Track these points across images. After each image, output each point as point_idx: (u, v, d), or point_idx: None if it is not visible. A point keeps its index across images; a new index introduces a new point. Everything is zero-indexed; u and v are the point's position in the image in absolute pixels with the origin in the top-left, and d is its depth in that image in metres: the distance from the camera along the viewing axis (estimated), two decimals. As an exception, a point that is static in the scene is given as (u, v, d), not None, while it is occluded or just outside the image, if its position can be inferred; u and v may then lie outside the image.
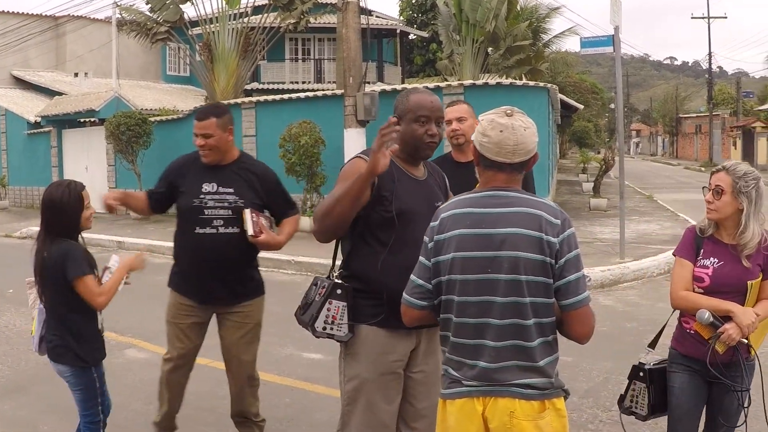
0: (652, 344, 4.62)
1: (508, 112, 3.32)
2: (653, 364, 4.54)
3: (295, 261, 14.58)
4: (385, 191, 4.08)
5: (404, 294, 3.51)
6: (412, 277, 3.49)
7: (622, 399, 4.61)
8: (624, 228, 14.03)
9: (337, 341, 4.18)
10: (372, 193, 4.04)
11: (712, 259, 4.37)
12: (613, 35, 13.64)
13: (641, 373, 4.53)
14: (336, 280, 4.19)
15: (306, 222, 18.66)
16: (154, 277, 14.01)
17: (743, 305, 4.25)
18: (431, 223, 3.46)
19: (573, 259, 3.24)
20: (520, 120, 3.30)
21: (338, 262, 4.35)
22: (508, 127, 3.27)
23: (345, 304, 4.11)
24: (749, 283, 4.28)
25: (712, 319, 4.23)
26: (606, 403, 6.93)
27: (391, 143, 3.78)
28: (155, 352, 8.82)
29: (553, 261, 3.21)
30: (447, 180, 4.59)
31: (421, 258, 3.47)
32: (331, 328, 4.11)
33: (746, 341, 4.24)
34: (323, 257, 13.76)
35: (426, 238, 3.46)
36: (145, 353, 8.99)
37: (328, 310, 4.10)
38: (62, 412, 6.83)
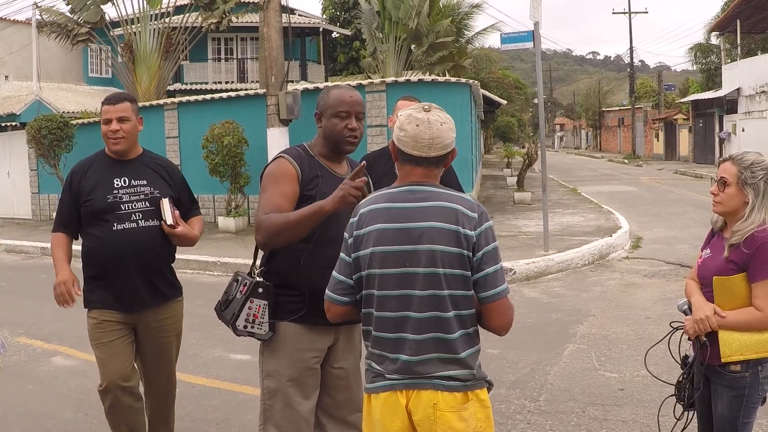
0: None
1: (426, 107, 3.35)
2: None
3: (221, 262, 14.49)
4: (308, 189, 4.10)
5: (327, 291, 3.51)
6: (334, 273, 3.50)
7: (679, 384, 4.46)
8: (547, 221, 14.19)
9: (258, 339, 4.20)
10: (299, 190, 4.09)
11: (707, 250, 4.27)
12: (533, 31, 13.78)
13: (686, 365, 4.41)
14: (257, 279, 4.20)
15: (230, 223, 18.63)
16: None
17: (713, 301, 4.06)
18: (351, 220, 3.48)
19: (491, 252, 3.27)
20: (437, 115, 3.32)
21: (259, 260, 4.34)
22: (424, 122, 3.29)
23: (266, 302, 4.12)
24: (714, 278, 4.08)
25: (685, 307, 4.25)
26: (533, 394, 7.00)
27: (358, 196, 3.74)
28: (82, 358, 8.74)
29: (471, 254, 3.23)
30: (380, 174, 4.64)
31: (341, 254, 3.49)
32: (252, 327, 4.12)
33: (704, 339, 4.06)
34: (249, 257, 13.71)
35: (346, 234, 3.48)
36: (72, 360, 8.84)
37: (249, 308, 4.11)
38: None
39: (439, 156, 3.34)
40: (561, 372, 7.64)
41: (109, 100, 5.42)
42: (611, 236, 15.13)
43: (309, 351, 4.18)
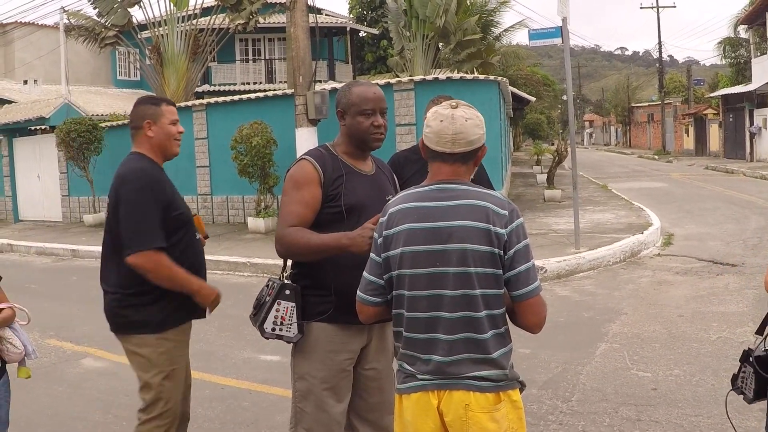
0: (760, 330, 4.32)
1: (453, 104, 3.33)
2: (763, 351, 4.27)
3: (251, 263, 14.50)
4: (333, 188, 4.07)
5: (358, 291, 3.49)
6: (365, 273, 3.48)
7: (735, 378, 4.39)
8: (578, 218, 14.08)
9: (287, 342, 4.16)
10: (322, 192, 4.06)
11: None
12: (561, 27, 13.68)
13: (750, 358, 4.33)
14: (285, 281, 4.17)
15: (260, 223, 18.64)
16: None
17: None
18: (380, 219, 3.45)
19: (522, 250, 3.23)
20: (463, 111, 3.29)
21: (290, 262, 4.30)
22: (447, 117, 3.27)
23: (293, 304, 4.10)
24: None
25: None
26: (565, 394, 6.93)
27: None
28: (113, 360, 8.75)
29: (502, 252, 3.19)
30: (410, 173, 4.60)
31: (371, 254, 3.46)
32: (280, 329, 4.10)
33: None
34: (279, 258, 13.71)
35: (375, 234, 3.46)
36: (102, 362, 8.86)
37: (277, 311, 4.09)
38: None
39: (465, 152, 3.30)
40: (593, 371, 7.56)
41: (170, 102, 5.02)
42: (642, 233, 14.99)
43: (342, 353, 4.15)
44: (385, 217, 3.40)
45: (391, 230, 3.34)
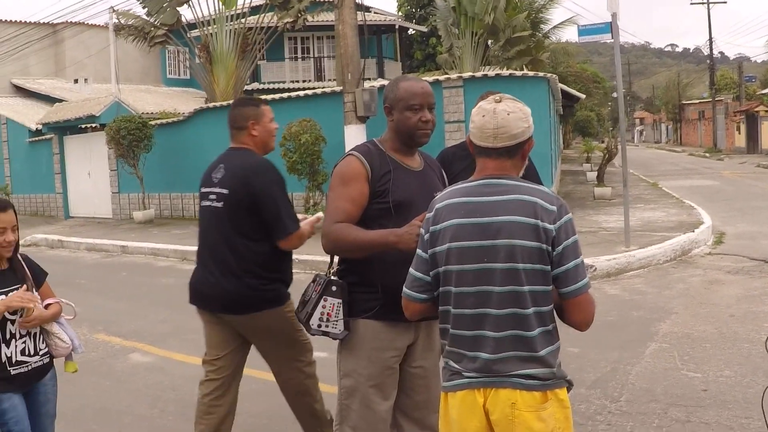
0: None
1: (497, 98, 3.29)
2: None
3: (300, 260, 14.44)
4: (381, 184, 4.04)
5: (404, 288, 3.46)
6: (411, 269, 3.45)
7: None
8: (628, 216, 13.93)
9: (333, 339, 4.14)
10: (369, 188, 4.03)
11: None
12: (611, 22, 13.54)
13: None
14: (331, 277, 4.15)
15: (310, 220, 18.58)
16: (159, 280, 14.13)
17: None
18: (426, 215, 3.41)
19: (571, 246, 3.18)
20: (506, 105, 3.26)
21: (336, 258, 4.29)
22: (489, 112, 3.24)
23: (340, 300, 4.07)
24: None
25: None
26: (614, 394, 6.84)
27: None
28: (159, 355, 8.85)
29: (551, 248, 3.15)
30: (458, 169, 4.56)
31: (418, 250, 3.43)
32: (326, 326, 4.08)
33: None
34: (327, 255, 13.69)
35: (422, 230, 3.42)
36: (149, 357, 8.92)
37: (323, 307, 4.07)
38: None
39: (509, 147, 3.26)
40: (643, 371, 7.46)
41: (266, 102, 5.55)
42: (693, 232, 14.80)
43: (388, 350, 4.11)
44: (432, 213, 3.36)
45: (438, 226, 3.30)
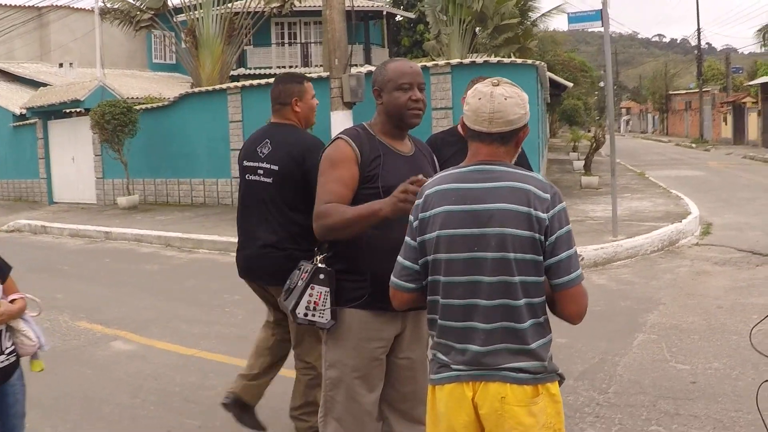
0: None
1: (495, 81, 3.17)
2: None
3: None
4: (370, 169, 3.92)
5: (392, 277, 3.36)
6: (399, 258, 3.34)
7: None
8: (616, 205, 13.86)
9: (319, 328, 4.02)
10: (359, 172, 3.91)
11: None
12: (601, 10, 13.44)
13: None
14: (318, 264, 4.03)
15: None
16: (142, 267, 14.02)
17: None
18: (416, 201, 3.30)
19: (564, 236, 3.07)
20: (504, 89, 3.14)
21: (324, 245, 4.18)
22: (486, 95, 3.13)
23: (327, 289, 3.95)
24: None
25: None
26: (602, 386, 6.77)
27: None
28: (142, 343, 8.72)
29: (543, 237, 3.04)
30: (448, 155, 4.45)
31: (406, 238, 3.31)
32: (313, 315, 3.95)
33: None
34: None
35: (411, 217, 3.30)
36: (131, 345, 8.77)
37: (310, 295, 3.94)
38: None
39: (503, 132, 3.14)
40: (631, 363, 7.39)
41: (307, 78, 5.60)
42: (681, 222, 14.72)
43: (375, 340, 3.99)
44: (421, 199, 3.25)
45: (428, 213, 3.19)
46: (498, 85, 3.16)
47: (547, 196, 3.06)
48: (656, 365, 7.30)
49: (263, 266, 5.17)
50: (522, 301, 3.05)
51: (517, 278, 3.03)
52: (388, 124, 4.06)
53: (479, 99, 3.14)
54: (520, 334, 3.06)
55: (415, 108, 4.02)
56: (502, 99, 3.11)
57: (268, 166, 5.13)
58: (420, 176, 3.51)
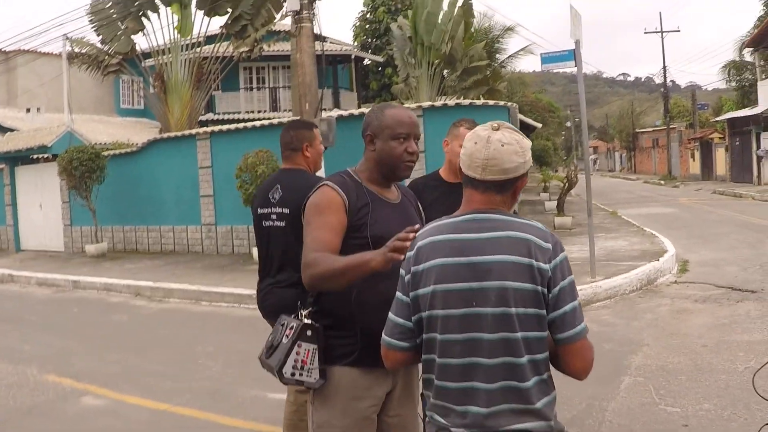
0: None
1: (495, 126, 2.99)
2: None
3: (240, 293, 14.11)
4: (358, 218, 3.70)
5: (383, 335, 3.13)
6: (391, 315, 3.11)
7: None
8: (594, 246, 13.72)
9: (307, 388, 3.76)
10: (347, 220, 3.69)
11: None
12: (574, 50, 13.37)
13: None
14: (305, 320, 3.77)
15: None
16: (111, 317, 13.71)
17: None
18: (407, 254, 3.09)
19: (567, 287, 2.89)
20: (503, 135, 2.96)
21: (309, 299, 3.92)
22: (482, 139, 2.95)
23: (315, 346, 3.70)
24: None
25: None
26: (591, 431, 6.57)
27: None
28: (113, 398, 8.43)
29: (546, 290, 2.85)
30: (428, 201, 4.25)
31: (398, 293, 3.09)
32: (301, 374, 3.68)
33: None
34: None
35: (402, 271, 3.08)
36: (101, 400, 8.45)
37: (297, 353, 3.67)
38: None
39: (498, 181, 2.95)
40: (619, 407, 7.20)
41: (315, 125, 5.89)
42: (658, 260, 14.62)
43: (366, 399, 3.73)
44: (413, 252, 3.04)
45: (420, 266, 2.98)
46: (498, 129, 2.98)
47: (549, 245, 2.88)
48: (645, 409, 7.11)
49: (284, 305, 4.90)
50: (525, 359, 2.84)
51: (519, 334, 2.83)
52: (377, 172, 3.86)
53: (475, 143, 2.96)
54: (524, 393, 2.84)
55: (410, 160, 3.84)
56: (498, 145, 2.93)
57: (280, 210, 5.20)
58: (416, 227, 3.30)
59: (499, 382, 2.84)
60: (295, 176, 5.38)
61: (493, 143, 2.93)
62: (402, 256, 3.17)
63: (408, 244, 3.15)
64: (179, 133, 23.07)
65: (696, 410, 6.96)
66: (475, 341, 2.86)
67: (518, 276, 2.82)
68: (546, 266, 2.84)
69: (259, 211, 5.42)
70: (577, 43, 13.26)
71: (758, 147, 43.16)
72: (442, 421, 2.95)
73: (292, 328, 3.74)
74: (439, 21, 27.22)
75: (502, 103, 19.75)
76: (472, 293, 2.85)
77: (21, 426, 6.10)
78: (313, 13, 17.42)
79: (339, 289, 3.58)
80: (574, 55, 13.39)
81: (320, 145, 5.65)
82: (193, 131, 22.82)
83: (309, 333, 3.71)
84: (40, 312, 14.95)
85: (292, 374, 3.67)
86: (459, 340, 2.88)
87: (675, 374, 8.14)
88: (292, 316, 3.87)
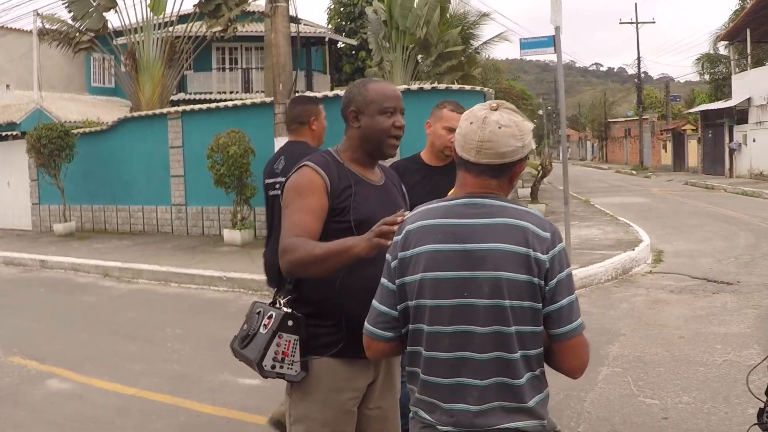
0: None
1: (494, 105, 2.78)
2: None
3: (227, 277, 13.88)
4: (340, 201, 3.48)
5: (366, 324, 2.92)
6: (374, 303, 2.90)
7: (761, 413, 3.84)
8: (570, 234, 13.63)
9: (288, 381, 3.52)
10: (328, 203, 3.47)
11: None
12: (553, 36, 13.23)
13: None
14: (285, 309, 3.52)
15: (236, 236, 18.13)
16: (79, 298, 13.46)
17: None
18: (394, 238, 2.89)
19: (565, 280, 2.69)
20: (501, 116, 2.74)
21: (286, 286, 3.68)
22: (478, 120, 2.73)
23: (297, 337, 3.46)
24: None
25: None
26: (571, 424, 6.44)
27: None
28: (80, 382, 8.19)
29: (542, 282, 2.65)
30: (409, 184, 4.06)
31: (383, 280, 2.89)
32: (281, 367, 3.43)
33: None
34: (257, 272, 13.14)
35: (388, 256, 2.88)
36: (68, 383, 8.21)
37: (278, 345, 3.43)
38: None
39: (493, 165, 2.74)
40: (598, 399, 7.07)
41: (321, 100, 6.20)
42: (633, 250, 14.56)
43: (347, 391, 3.52)
44: (401, 236, 2.84)
45: (409, 252, 2.77)
46: (496, 110, 2.77)
47: (547, 234, 2.69)
48: (624, 401, 6.99)
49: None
50: (518, 354, 2.65)
51: (512, 328, 2.64)
52: (361, 151, 3.65)
53: (470, 123, 2.75)
54: (517, 390, 2.66)
55: (397, 134, 3.65)
56: (495, 127, 2.72)
57: (282, 179, 4.90)
58: (403, 211, 3.11)
59: (490, 378, 2.66)
60: (298, 148, 5.53)
61: (490, 124, 2.72)
62: (389, 243, 2.97)
63: (395, 228, 2.96)
64: (150, 112, 22.75)
65: (675, 402, 6.86)
66: (466, 334, 2.67)
67: (514, 266, 2.62)
68: (543, 257, 2.65)
69: (266, 181, 5.72)
70: (557, 29, 13.12)
71: (731, 139, 43.39)
72: (428, 418, 2.77)
73: (270, 317, 3.50)
74: (415, 5, 27.10)
75: (478, 88, 19.58)
76: (464, 282, 2.66)
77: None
78: (289, -7, 17.19)
79: (319, 276, 3.37)
80: (553, 41, 13.26)
81: (324, 120, 5.88)
82: (165, 110, 22.50)
83: (290, 323, 3.47)
84: (5, 292, 14.65)
85: (273, 367, 3.43)
86: (448, 333, 2.69)
87: (653, 365, 8.04)
88: (269, 303, 3.66)
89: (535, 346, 2.70)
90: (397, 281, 2.81)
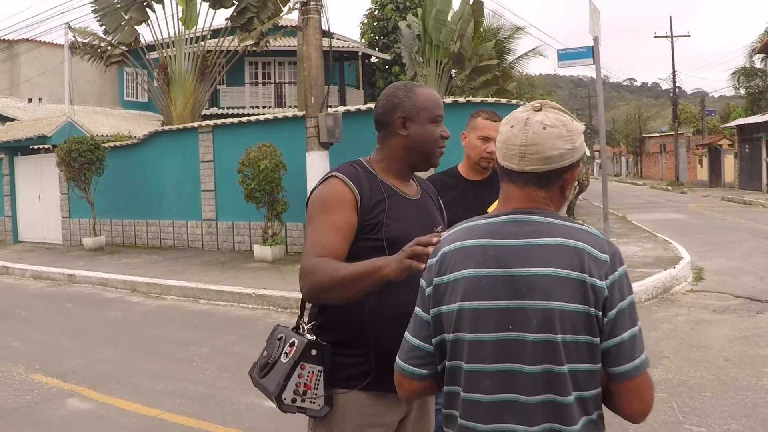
0: None
1: (537, 105, 2.42)
2: None
3: (257, 294, 13.59)
4: (372, 216, 3.12)
5: (397, 359, 2.55)
6: (407, 335, 2.54)
7: None
8: (608, 252, 13.24)
9: (310, 416, 3.16)
10: (357, 219, 3.12)
11: None
12: (592, 47, 12.90)
13: None
14: (309, 336, 3.16)
15: (267, 252, 17.86)
16: (105, 314, 13.23)
17: None
18: (429, 261, 2.52)
19: (627, 310, 2.31)
20: (545, 115, 2.38)
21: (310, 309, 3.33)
22: (520, 122, 2.38)
23: (321, 368, 3.09)
24: None
25: None
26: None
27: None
28: (101, 401, 7.94)
29: (600, 313, 2.26)
30: (445, 200, 3.72)
31: (416, 309, 2.52)
32: (303, 401, 3.06)
33: None
34: (287, 289, 12.86)
35: (423, 282, 2.51)
36: (88, 403, 7.96)
37: (300, 376, 3.06)
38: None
39: (539, 172, 2.38)
40: (642, 428, 6.67)
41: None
42: (674, 268, 14.14)
43: (375, 428, 3.16)
44: (437, 259, 2.48)
45: (446, 277, 2.41)
46: (540, 110, 2.41)
47: (606, 257, 2.30)
48: (670, 428, 6.64)
49: None
50: (572, 397, 2.26)
51: (566, 367, 2.25)
52: (403, 161, 3.31)
53: (511, 127, 2.40)
54: (570, 437, 2.28)
55: (443, 147, 3.35)
56: (539, 128, 2.35)
57: None
58: (440, 229, 2.76)
59: (539, 425, 2.27)
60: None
61: (533, 126, 2.36)
62: (422, 266, 2.62)
63: (430, 250, 2.60)
64: (181, 126, 22.63)
65: (723, 430, 6.50)
66: (511, 374, 2.29)
67: (567, 294, 2.24)
68: (601, 283, 2.26)
69: None
70: (596, 39, 12.81)
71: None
72: (468, 468, 2.40)
73: (292, 344, 3.15)
74: (449, 19, 26.97)
75: (513, 101, 19.25)
76: (509, 314, 2.29)
77: (2, 429, 5.64)
78: (321, 4, 16.99)
79: (344, 301, 3.02)
80: (592, 51, 12.94)
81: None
82: (196, 124, 22.35)
83: (314, 352, 3.10)
84: (32, 306, 14.49)
85: (293, 400, 3.06)
86: (490, 372, 2.32)
87: (698, 390, 7.67)
88: (292, 328, 3.32)
89: (591, 386, 2.31)
90: (432, 311, 2.45)
